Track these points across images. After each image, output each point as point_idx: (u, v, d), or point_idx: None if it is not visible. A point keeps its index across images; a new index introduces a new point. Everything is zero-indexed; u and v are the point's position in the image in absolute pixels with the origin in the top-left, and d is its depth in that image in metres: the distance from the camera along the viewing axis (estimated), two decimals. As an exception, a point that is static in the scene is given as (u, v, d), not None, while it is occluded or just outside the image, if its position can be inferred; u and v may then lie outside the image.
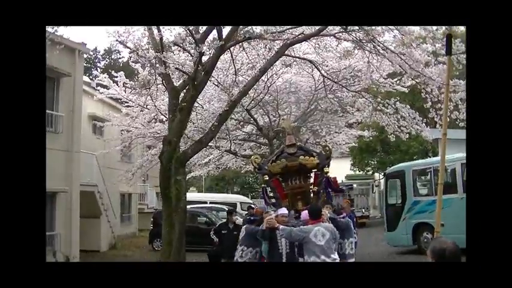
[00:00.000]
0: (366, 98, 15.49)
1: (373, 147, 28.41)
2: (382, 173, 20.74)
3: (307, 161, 9.20)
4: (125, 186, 22.72)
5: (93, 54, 51.99)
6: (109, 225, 19.44)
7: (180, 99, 11.45)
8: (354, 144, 25.42)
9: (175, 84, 12.64)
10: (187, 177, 26.56)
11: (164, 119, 18.20)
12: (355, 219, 11.44)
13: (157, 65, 12.21)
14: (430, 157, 24.20)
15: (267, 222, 7.24)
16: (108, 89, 19.08)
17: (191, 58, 11.94)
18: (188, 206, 23.88)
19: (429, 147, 26.05)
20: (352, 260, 8.96)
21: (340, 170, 32.66)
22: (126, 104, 19.11)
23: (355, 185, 30.86)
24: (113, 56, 54.54)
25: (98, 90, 19.32)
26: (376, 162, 30.05)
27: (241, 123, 20.23)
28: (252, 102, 18.54)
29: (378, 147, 28.25)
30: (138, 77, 17.95)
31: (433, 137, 14.87)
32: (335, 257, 6.72)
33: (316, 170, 9.19)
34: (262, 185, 9.87)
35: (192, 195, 31.82)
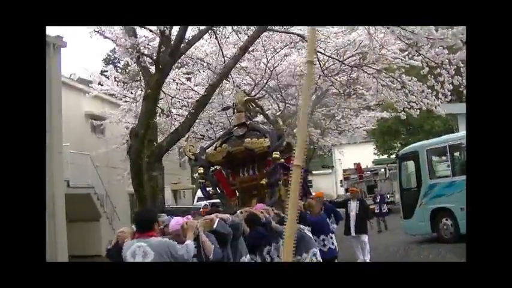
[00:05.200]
0: (369, 73, 14.03)
1: (395, 129, 26.73)
2: (395, 155, 19.14)
3: (254, 144, 7.44)
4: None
5: (112, 54, 51.22)
6: (111, 228, 18.44)
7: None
8: (372, 126, 24.00)
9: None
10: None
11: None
12: (329, 220, 9.44)
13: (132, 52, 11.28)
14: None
15: (117, 236, 5.13)
16: (102, 85, 18.16)
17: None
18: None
19: (455, 126, 24.27)
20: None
21: (364, 156, 31.17)
22: (124, 99, 18.16)
23: (382, 170, 29.02)
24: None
25: (92, 87, 18.39)
26: (399, 145, 28.34)
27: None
28: (255, 88, 17.36)
29: (401, 128, 26.54)
30: (127, 70, 17.02)
31: (445, 111, 13.26)
32: None
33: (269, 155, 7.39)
34: (200, 181, 8.10)
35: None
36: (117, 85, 17.53)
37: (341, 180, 30.35)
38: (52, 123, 13.34)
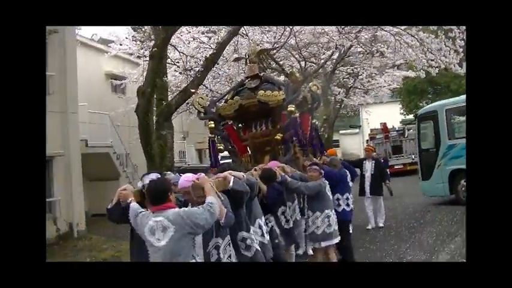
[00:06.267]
0: (387, 31, 13.57)
1: (421, 89, 26.03)
2: (414, 115, 18.62)
3: (268, 97, 6.90)
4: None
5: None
6: (132, 187, 18.63)
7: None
8: (397, 85, 23.44)
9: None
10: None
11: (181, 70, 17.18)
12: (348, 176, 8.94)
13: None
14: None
15: (118, 195, 4.58)
16: (121, 45, 18.23)
17: None
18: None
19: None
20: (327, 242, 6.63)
21: (391, 116, 30.64)
22: (143, 59, 18.17)
23: (407, 130, 28.57)
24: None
25: (111, 47, 18.45)
26: (426, 105, 27.74)
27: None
28: (275, 45, 17.04)
29: (427, 88, 25.83)
30: (144, 29, 16.90)
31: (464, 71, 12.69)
32: None
33: (283, 109, 6.93)
34: (209, 136, 7.49)
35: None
36: (136, 44, 17.51)
37: (367, 140, 29.96)
38: (67, 83, 13.40)
